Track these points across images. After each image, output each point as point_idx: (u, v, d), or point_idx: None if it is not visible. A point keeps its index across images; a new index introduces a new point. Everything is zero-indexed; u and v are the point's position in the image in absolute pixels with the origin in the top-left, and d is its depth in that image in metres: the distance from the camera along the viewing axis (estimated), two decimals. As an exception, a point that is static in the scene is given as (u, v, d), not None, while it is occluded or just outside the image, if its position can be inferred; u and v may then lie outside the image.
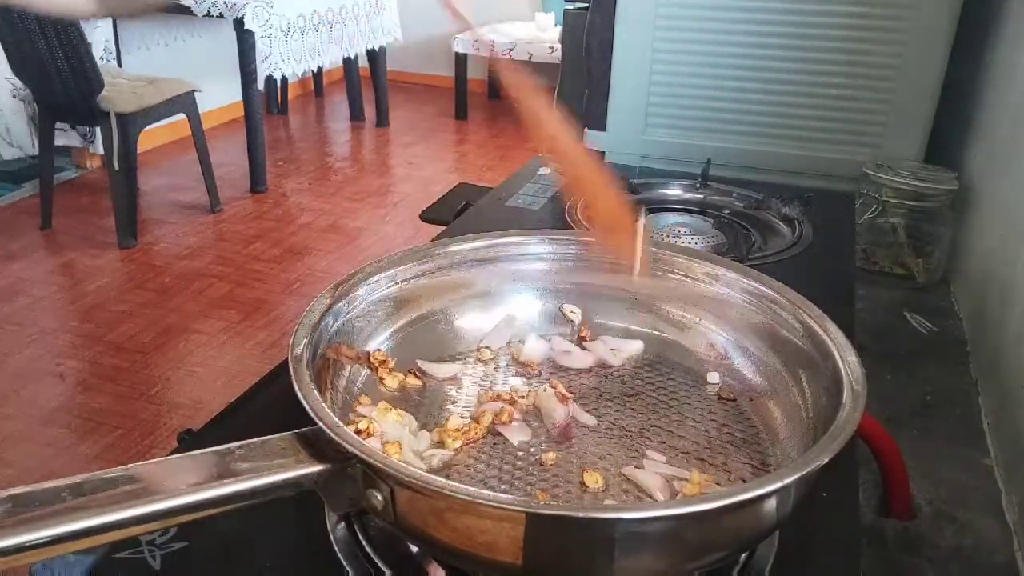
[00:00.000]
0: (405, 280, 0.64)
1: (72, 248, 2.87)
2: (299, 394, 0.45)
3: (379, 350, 0.61)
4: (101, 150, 2.76)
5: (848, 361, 0.51)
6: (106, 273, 2.71)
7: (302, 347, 0.50)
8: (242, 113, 3.34)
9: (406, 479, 0.40)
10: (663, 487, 0.51)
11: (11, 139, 3.27)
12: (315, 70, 4.38)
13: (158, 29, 3.82)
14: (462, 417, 0.56)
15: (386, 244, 3.00)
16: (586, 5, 1.34)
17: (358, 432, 0.50)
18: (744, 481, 0.52)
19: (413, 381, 0.60)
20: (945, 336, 0.96)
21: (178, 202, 3.31)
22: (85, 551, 0.43)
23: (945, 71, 1.13)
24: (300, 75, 3.89)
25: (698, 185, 1.15)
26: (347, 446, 0.41)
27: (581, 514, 0.40)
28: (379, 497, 0.42)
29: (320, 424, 0.43)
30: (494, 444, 0.55)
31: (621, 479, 0.52)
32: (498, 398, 0.58)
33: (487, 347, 0.65)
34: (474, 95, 4.70)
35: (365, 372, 0.59)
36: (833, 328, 0.54)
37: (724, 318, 0.64)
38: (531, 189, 1.14)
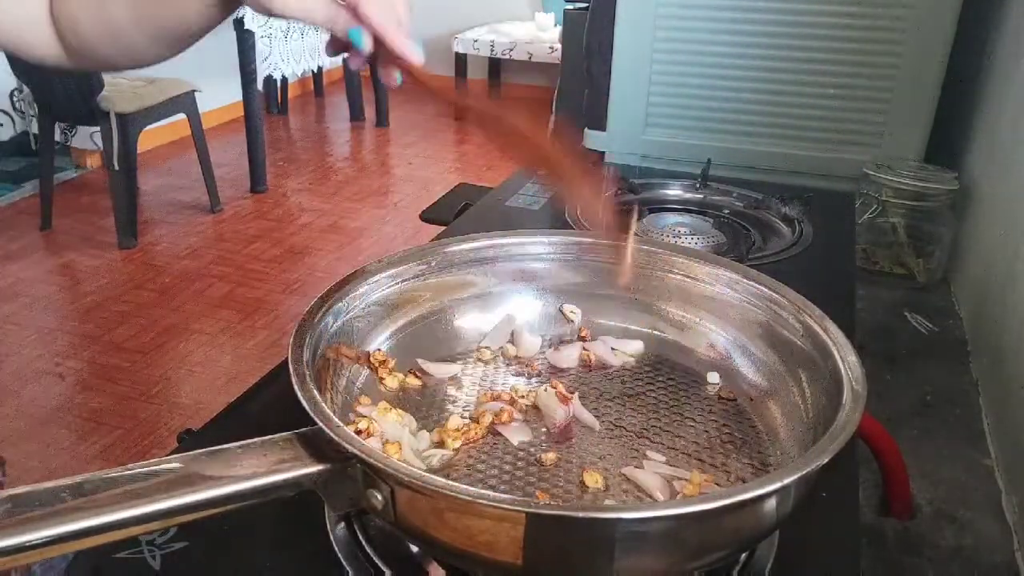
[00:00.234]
0: (405, 280, 0.64)
1: (72, 248, 2.87)
2: (299, 394, 0.45)
3: (379, 350, 0.61)
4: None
5: (848, 361, 0.51)
6: (106, 273, 2.71)
7: (302, 347, 0.50)
8: (242, 113, 3.34)
9: (406, 479, 0.40)
10: (663, 487, 0.51)
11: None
12: (315, 70, 4.38)
13: (158, 29, 3.81)
14: (462, 417, 0.56)
15: (386, 244, 3.00)
16: (586, 5, 1.34)
17: (358, 432, 0.50)
18: (744, 481, 0.52)
19: (413, 381, 0.60)
20: (945, 336, 0.96)
21: (178, 202, 3.31)
22: (85, 551, 0.43)
23: (945, 71, 1.13)
24: (300, 75, 3.89)
25: (698, 185, 1.15)
26: (347, 446, 0.41)
27: (581, 514, 0.40)
28: (379, 497, 0.42)
29: (320, 424, 0.43)
30: (494, 444, 0.55)
31: (621, 479, 0.52)
32: (498, 398, 0.58)
33: (487, 347, 0.65)
34: (474, 95, 4.70)
35: (365, 372, 0.59)
36: (833, 328, 0.54)
37: (724, 318, 0.64)
38: (531, 189, 1.14)
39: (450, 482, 0.40)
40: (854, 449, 0.59)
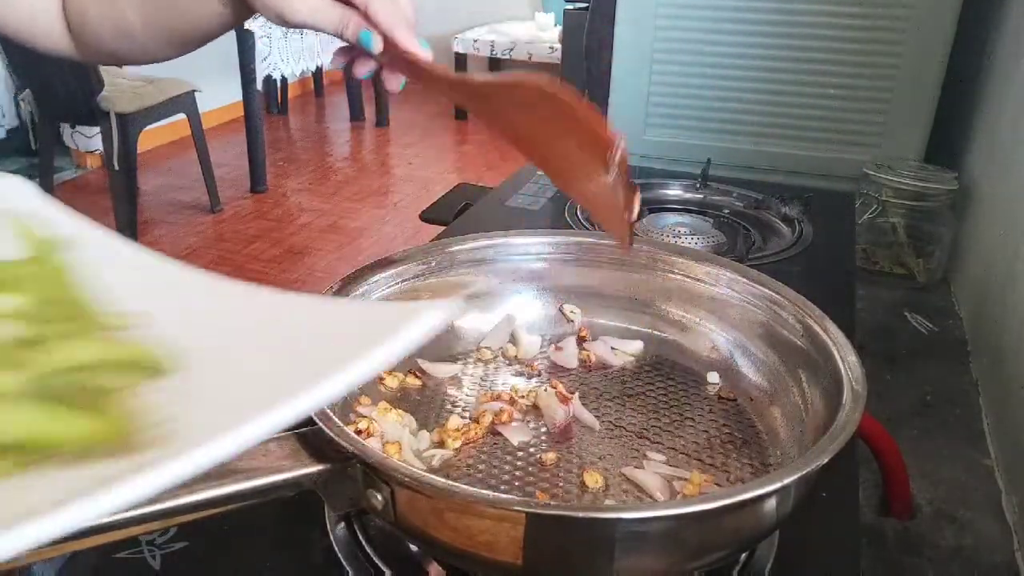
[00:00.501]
0: (405, 280, 0.64)
1: (72, 248, 2.86)
2: (299, 394, 0.45)
3: (379, 350, 0.61)
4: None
5: (848, 361, 0.51)
6: (106, 273, 2.71)
7: (302, 347, 0.50)
8: (242, 113, 3.34)
9: (406, 479, 0.40)
10: (663, 487, 0.51)
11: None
12: (315, 70, 4.38)
13: (158, 29, 3.81)
14: (462, 417, 0.56)
15: (386, 244, 3.00)
16: (586, 5, 1.34)
17: (358, 432, 0.50)
18: (744, 481, 0.52)
19: (413, 381, 0.60)
20: (945, 336, 0.96)
21: (178, 202, 3.32)
22: (85, 551, 0.43)
23: (945, 71, 1.13)
24: (300, 75, 3.89)
25: (698, 185, 1.15)
26: (347, 446, 0.41)
27: (581, 514, 0.40)
28: (379, 497, 0.42)
29: (320, 424, 0.43)
30: (494, 444, 0.55)
31: (621, 479, 0.52)
32: (498, 398, 0.58)
33: (487, 347, 0.65)
34: (474, 95, 4.70)
35: (365, 372, 0.59)
36: (833, 328, 0.54)
37: (724, 318, 0.64)
38: (531, 189, 1.14)
39: (450, 482, 0.40)
40: (854, 449, 0.59)
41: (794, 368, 0.57)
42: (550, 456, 0.53)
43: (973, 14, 1.14)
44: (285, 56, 3.33)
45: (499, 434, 0.55)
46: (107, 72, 2.78)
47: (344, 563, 0.50)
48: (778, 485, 0.40)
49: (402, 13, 0.51)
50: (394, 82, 0.55)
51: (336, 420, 0.43)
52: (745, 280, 0.62)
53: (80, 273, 0.37)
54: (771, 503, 0.42)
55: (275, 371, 0.31)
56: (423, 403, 0.59)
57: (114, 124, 2.71)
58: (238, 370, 0.31)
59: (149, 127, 2.96)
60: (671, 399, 0.60)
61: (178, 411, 0.29)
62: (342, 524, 0.52)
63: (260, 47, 3.19)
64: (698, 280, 0.65)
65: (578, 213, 1.04)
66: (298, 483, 0.42)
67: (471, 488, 0.40)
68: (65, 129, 3.29)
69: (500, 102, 0.52)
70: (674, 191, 1.16)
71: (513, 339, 0.66)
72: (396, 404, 0.56)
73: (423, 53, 0.52)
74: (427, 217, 1.25)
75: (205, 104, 3.25)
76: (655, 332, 0.67)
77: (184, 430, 0.27)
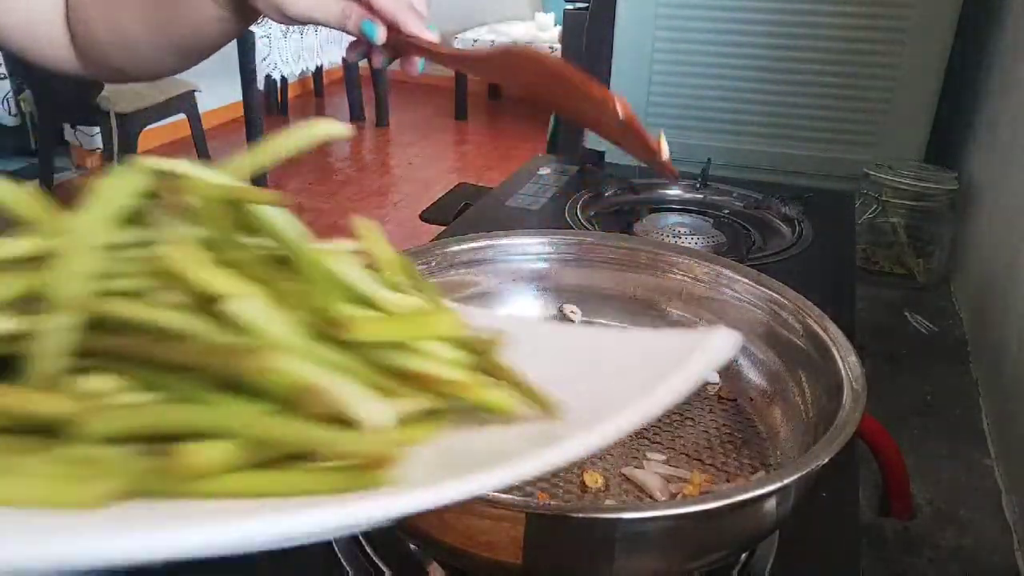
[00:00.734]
0: (405, 280, 0.63)
1: (72, 248, 2.86)
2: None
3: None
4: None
5: (848, 361, 0.51)
6: (106, 273, 2.71)
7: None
8: (242, 113, 3.35)
9: (406, 479, 0.40)
10: (663, 487, 0.51)
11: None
12: (315, 70, 4.39)
13: (158, 29, 3.81)
14: (462, 417, 0.56)
15: (386, 244, 3.00)
16: (586, 5, 1.34)
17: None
18: (744, 481, 0.52)
19: (413, 381, 0.60)
20: (945, 336, 0.96)
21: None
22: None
23: (945, 71, 1.13)
24: (300, 75, 3.89)
25: (698, 185, 1.15)
26: (347, 446, 0.41)
27: (581, 514, 0.40)
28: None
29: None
30: (494, 444, 0.55)
31: (621, 479, 0.52)
32: (498, 398, 0.58)
33: (487, 347, 0.65)
34: (474, 95, 4.71)
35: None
36: (833, 328, 0.54)
37: (724, 318, 0.64)
38: (531, 189, 1.14)
39: (450, 482, 0.40)
40: (854, 449, 0.59)
41: (794, 368, 0.57)
42: (550, 456, 0.53)
43: (973, 14, 1.14)
44: (285, 56, 3.33)
45: (499, 434, 0.55)
46: (119, 83, 2.77)
47: (344, 563, 0.50)
48: (778, 485, 0.40)
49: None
50: (412, 67, 0.54)
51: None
52: (745, 280, 0.62)
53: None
54: (771, 503, 0.42)
55: (584, 393, 0.34)
56: (423, 403, 0.59)
57: (114, 124, 2.71)
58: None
59: (149, 127, 2.96)
60: (671, 399, 0.60)
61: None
62: (342, 524, 0.52)
63: (260, 47, 3.19)
64: (698, 280, 0.65)
65: (578, 213, 1.04)
66: (298, 483, 0.42)
67: (471, 488, 0.40)
68: (67, 126, 3.29)
69: (502, 70, 0.52)
70: (674, 191, 1.16)
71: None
72: (396, 404, 0.56)
73: (430, 36, 0.51)
74: (427, 217, 1.25)
75: (205, 104, 3.25)
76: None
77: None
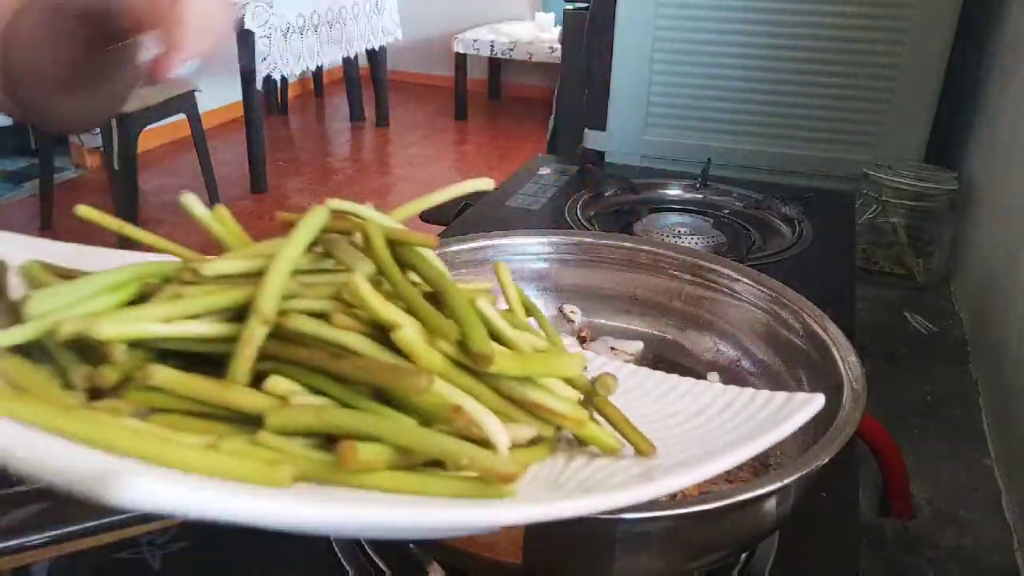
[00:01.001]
0: (405, 280, 0.64)
1: (72, 248, 2.86)
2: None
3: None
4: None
5: (848, 361, 0.51)
6: (106, 273, 2.71)
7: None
8: (242, 113, 3.34)
9: (406, 479, 0.40)
10: (663, 487, 0.50)
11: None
12: (315, 70, 4.39)
13: (158, 29, 3.81)
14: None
15: (386, 244, 2.99)
16: (586, 5, 1.34)
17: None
18: (744, 481, 0.52)
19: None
20: (945, 336, 0.96)
21: (178, 202, 3.31)
22: (85, 551, 0.43)
23: (945, 71, 1.13)
24: (299, 75, 3.89)
25: (698, 185, 1.15)
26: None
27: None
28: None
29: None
30: (494, 444, 0.55)
31: (621, 479, 0.52)
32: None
33: (487, 347, 0.65)
34: (474, 95, 4.71)
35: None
36: (833, 328, 0.54)
37: (724, 318, 0.64)
38: (531, 189, 1.14)
39: (450, 482, 0.41)
40: (854, 449, 0.59)
41: (794, 368, 0.57)
42: (550, 456, 0.53)
43: (973, 14, 1.14)
44: (285, 56, 3.33)
45: (499, 434, 0.55)
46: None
47: (344, 563, 0.50)
48: (778, 485, 0.40)
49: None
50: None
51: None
52: (745, 280, 0.62)
53: None
54: (771, 503, 0.42)
55: (681, 439, 0.41)
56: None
57: (114, 124, 2.71)
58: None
59: (149, 127, 2.96)
60: (671, 399, 0.60)
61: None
62: (342, 524, 0.52)
63: (260, 47, 3.19)
64: (698, 280, 0.65)
65: (578, 213, 1.04)
66: (298, 483, 0.42)
67: (471, 488, 0.40)
68: (65, 128, 3.28)
69: None
70: (674, 191, 1.16)
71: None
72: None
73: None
74: (427, 217, 1.24)
75: (205, 104, 3.25)
76: (655, 332, 0.67)
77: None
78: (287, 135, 4.37)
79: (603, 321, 0.68)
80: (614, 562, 0.41)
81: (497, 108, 4.87)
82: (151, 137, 3.63)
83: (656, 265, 0.66)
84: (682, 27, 1.21)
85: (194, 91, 2.99)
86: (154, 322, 0.32)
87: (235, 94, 3.39)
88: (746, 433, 0.38)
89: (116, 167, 2.75)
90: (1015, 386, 0.78)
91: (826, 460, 0.42)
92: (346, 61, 4.06)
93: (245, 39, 3.14)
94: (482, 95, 4.92)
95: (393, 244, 0.37)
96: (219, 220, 0.41)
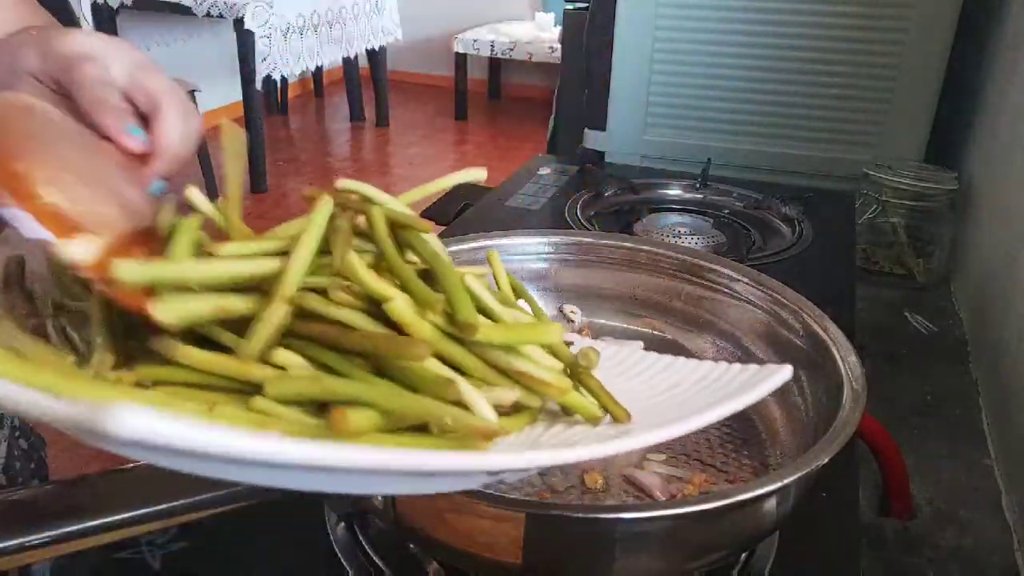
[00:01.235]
0: (405, 280, 0.64)
1: (72, 248, 2.86)
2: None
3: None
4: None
5: (848, 361, 0.51)
6: (106, 273, 2.71)
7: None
8: (242, 113, 3.34)
9: (406, 479, 0.40)
10: (663, 487, 0.51)
11: None
12: (315, 70, 4.38)
13: (158, 29, 3.82)
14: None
15: (386, 244, 3.00)
16: (586, 5, 1.34)
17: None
18: (744, 481, 0.52)
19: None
20: (945, 336, 0.96)
21: (178, 202, 3.31)
22: (85, 551, 0.43)
23: (945, 71, 1.13)
24: (299, 75, 3.89)
25: (698, 185, 1.15)
26: (347, 446, 0.42)
27: (581, 514, 0.40)
28: (379, 497, 0.42)
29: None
30: (494, 444, 0.55)
31: (621, 479, 0.52)
32: (498, 398, 0.58)
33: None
34: (474, 95, 4.71)
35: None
36: (833, 328, 0.54)
37: (724, 318, 0.64)
38: (531, 189, 1.14)
39: (450, 482, 0.41)
40: (854, 449, 0.59)
41: (794, 368, 0.57)
42: (550, 456, 0.53)
43: (973, 14, 1.14)
44: (285, 56, 3.33)
45: (499, 434, 0.55)
46: None
47: (344, 563, 0.50)
48: (778, 485, 0.40)
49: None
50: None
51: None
52: (745, 280, 0.62)
53: None
54: (771, 503, 0.42)
55: (662, 403, 0.44)
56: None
57: (114, 124, 2.71)
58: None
59: (149, 127, 2.96)
60: (671, 399, 0.60)
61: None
62: (342, 524, 0.52)
63: (260, 47, 3.18)
64: (698, 280, 0.65)
65: (578, 213, 1.04)
66: (298, 483, 0.42)
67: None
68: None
69: None
70: (674, 191, 1.16)
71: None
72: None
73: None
74: (427, 217, 1.24)
75: (205, 104, 3.25)
76: (655, 332, 0.67)
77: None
78: (287, 135, 4.37)
79: (603, 321, 0.68)
80: (614, 562, 0.41)
81: (497, 108, 4.87)
82: (151, 137, 3.62)
83: (656, 265, 0.66)
84: (682, 27, 1.22)
85: (194, 91, 2.99)
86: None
87: (235, 94, 3.39)
88: (718, 399, 0.40)
89: (116, 167, 2.75)
90: (1015, 386, 0.78)
91: (826, 460, 0.42)
92: (346, 61, 4.06)
93: (245, 39, 3.14)
94: (482, 95, 4.92)
95: (395, 227, 0.40)
96: (223, 213, 0.43)
